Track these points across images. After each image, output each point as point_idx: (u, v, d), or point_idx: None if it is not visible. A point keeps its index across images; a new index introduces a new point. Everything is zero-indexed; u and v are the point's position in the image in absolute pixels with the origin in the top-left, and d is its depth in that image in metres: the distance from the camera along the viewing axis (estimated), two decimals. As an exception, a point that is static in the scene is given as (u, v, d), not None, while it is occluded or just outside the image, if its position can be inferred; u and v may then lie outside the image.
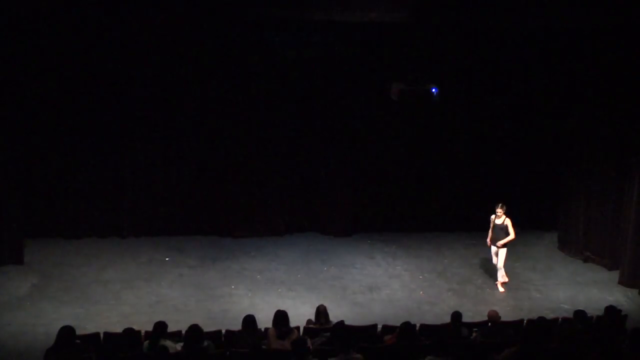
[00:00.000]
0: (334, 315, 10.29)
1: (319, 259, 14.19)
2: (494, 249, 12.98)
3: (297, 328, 9.52)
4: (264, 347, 8.76)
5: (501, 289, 12.87)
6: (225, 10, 11.48)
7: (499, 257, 12.87)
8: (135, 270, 13.28)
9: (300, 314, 11.13)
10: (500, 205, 12.86)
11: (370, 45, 14.02)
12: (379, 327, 10.00)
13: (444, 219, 15.70)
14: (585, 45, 13.66)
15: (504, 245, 12.78)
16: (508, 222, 12.78)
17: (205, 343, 8.65)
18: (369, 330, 9.80)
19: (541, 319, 9.70)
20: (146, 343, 8.75)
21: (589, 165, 14.23)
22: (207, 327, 9.34)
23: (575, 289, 13.23)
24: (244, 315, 9.29)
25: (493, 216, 12.91)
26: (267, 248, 14.59)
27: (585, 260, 14.39)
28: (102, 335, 9.38)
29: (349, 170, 15.21)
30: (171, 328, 9.07)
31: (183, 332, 9.03)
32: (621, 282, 13.38)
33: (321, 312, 9.86)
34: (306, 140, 15.09)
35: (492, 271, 13.28)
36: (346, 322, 9.46)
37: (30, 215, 13.92)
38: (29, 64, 13.08)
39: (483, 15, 11.90)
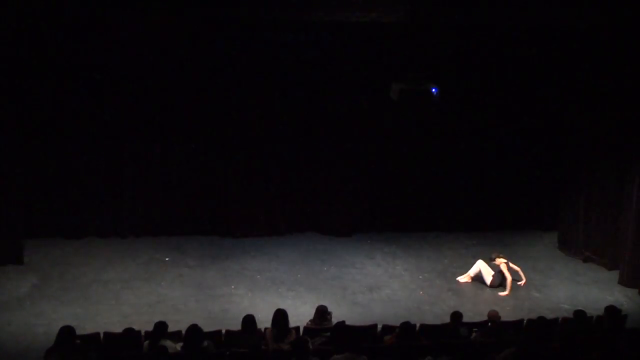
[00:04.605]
0: (334, 316, 10.30)
1: (319, 259, 14.18)
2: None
3: (297, 328, 9.53)
4: (263, 347, 8.77)
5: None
6: (225, 10, 11.48)
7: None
8: (135, 270, 13.27)
9: (300, 314, 11.14)
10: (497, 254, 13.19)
11: (370, 45, 14.00)
12: (379, 327, 10.00)
13: (444, 219, 15.70)
14: (586, 45, 13.66)
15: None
16: (503, 267, 13.02)
17: (205, 343, 8.66)
18: (369, 330, 9.80)
19: (541, 319, 9.71)
20: (146, 343, 8.75)
21: (589, 166, 14.23)
22: (207, 327, 9.33)
23: (575, 289, 13.24)
24: (244, 315, 9.30)
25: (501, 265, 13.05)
26: (267, 248, 14.58)
27: (585, 260, 14.40)
28: (102, 335, 9.38)
29: (349, 170, 15.21)
30: (171, 328, 9.08)
31: (183, 332, 9.03)
32: (621, 282, 13.38)
33: (321, 312, 9.86)
34: (306, 140, 15.09)
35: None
36: (346, 322, 9.47)
37: (30, 215, 13.92)
38: (29, 64, 13.06)
39: (483, 15, 11.91)
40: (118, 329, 9.56)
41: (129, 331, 8.86)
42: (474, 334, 9.75)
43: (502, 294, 12.85)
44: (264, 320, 9.73)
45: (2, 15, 11.53)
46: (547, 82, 14.84)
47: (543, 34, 13.62)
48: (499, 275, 13.06)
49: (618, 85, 13.35)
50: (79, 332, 8.95)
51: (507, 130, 15.38)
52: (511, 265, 13.12)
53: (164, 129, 14.46)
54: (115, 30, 12.80)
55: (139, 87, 13.99)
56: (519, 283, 13.11)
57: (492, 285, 13.04)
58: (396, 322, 9.64)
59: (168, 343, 8.59)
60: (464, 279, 13.24)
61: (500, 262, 13.02)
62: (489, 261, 13.13)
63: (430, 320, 10.93)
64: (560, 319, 10.41)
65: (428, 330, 9.66)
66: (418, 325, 9.77)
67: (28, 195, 13.78)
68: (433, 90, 11.72)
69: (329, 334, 9.17)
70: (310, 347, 8.53)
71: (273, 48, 13.82)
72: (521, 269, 13.22)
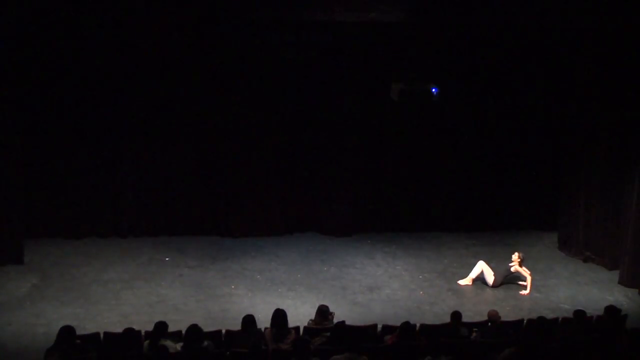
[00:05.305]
0: (334, 316, 10.29)
1: (319, 259, 14.18)
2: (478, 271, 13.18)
3: (297, 328, 9.54)
4: (263, 347, 8.77)
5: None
6: (225, 10, 11.50)
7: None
8: (135, 270, 13.27)
9: (300, 314, 11.15)
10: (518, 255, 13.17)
11: (370, 45, 14.01)
12: (379, 327, 10.00)
13: (444, 219, 15.71)
14: (586, 45, 13.67)
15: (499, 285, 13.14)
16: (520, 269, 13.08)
17: (205, 343, 8.66)
18: (369, 330, 9.80)
19: (541, 319, 9.71)
20: (146, 343, 8.75)
21: (589, 166, 14.23)
22: (207, 327, 9.34)
23: (575, 289, 13.23)
24: (244, 315, 9.30)
25: (513, 267, 13.08)
26: (267, 248, 14.58)
27: (585, 260, 14.39)
28: (102, 335, 9.38)
29: (349, 170, 15.21)
30: (171, 328, 9.07)
31: (183, 332, 9.03)
32: (621, 282, 13.38)
33: (323, 312, 9.86)
34: (306, 140, 15.09)
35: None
36: (346, 322, 9.47)
37: (30, 215, 13.92)
38: (29, 64, 13.07)
39: (483, 15, 11.92)
40: (118, 329, 9.55)
41: (129, 331, 8.86)
42: (474, 334, 9.75)
43: (523, 292, 12.88)
44: (264, 320, 9.72)
45: (3, 15, 11.55)
46: (547, 81, 14.85)
47: (543, 34, 13.64)
48: (504, 274, 13.07)
49: (618, 85, 13.35)
50: (79, 332, 8.95)
51: (507, 130, 15.38)
52: (523, 269, 13.11)
53: (164, 129, 14.45)
54: (115, 30, 12.83)
55: (139, 87, 13.98)
56: (521, 283, 13.10)
57: (494, 286, 13.04)
58: (396, 322, 9.64)
59: (168, 343, 8.59)
60: (465, 282, 13.21)
61: (516, 261, 13.04)
62: (521, 260, 13.09)
63: (430, 320, 10.93)
64: (560, 319, 10.40)
65: (428, 330, 9.65)
66: (418, 325, 9.76)
67: (28, 195, 13.77)
68: (433, 90, 11.74)
69: (329, 334, 9.16)
70: (311, 347, 8.53)
71: (273, 48, 13.83)
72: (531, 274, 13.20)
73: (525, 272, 13.01)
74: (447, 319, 9.98)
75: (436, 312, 11.92)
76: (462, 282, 13.21)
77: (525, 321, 10.31)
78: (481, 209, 15.71)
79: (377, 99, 14.33)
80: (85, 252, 13.96)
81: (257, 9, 11.47)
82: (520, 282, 13.13)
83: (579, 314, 9.96)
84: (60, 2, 11.34)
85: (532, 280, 13.03)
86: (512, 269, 13.05)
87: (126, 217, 14.71)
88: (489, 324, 9.92)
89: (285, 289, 12.76)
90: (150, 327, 9.06)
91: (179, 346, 8.69)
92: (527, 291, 12.88)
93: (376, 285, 13.07)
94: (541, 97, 15.05)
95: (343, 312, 11.50)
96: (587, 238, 14.41)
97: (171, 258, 13.90)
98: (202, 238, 14.84)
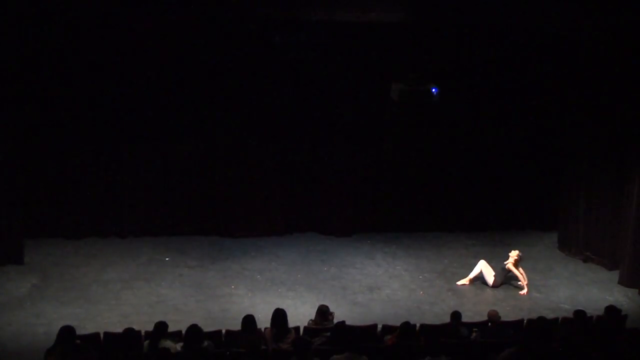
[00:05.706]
0: (334, 316, 10.29)
1: (319, 259, 14.18)
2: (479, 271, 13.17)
3: (297, 328, 9.54)
4: (263, 347, 8.77)
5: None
6: (226, 10, 11.49)
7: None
8: (135, 270, 13.28)
9: (300, 314, 11.15)
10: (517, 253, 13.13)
11: (370, 45, 14.01)
12: (379, 327, 10.01)
13: (444, 219, 15.71)
14: (586, 45, 13.67)
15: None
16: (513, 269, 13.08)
17: (205, 343, 8.66)
18: (369, 330, 9.80)
19: (541, 319, 9.71)
20: (146, 343, 8.76)
21: (589, 166, 14.23)
22: (207, 327, 9.34)
23: (575, 289, 13.24)
24: (244, 315, 9.30)
25: (507, 265, 13.08)
26: (267, 248, 14.59)
27: (585, 260, 14.40)
28: (102, 335, 9.38)
29: (349, 170, 15.21)
30: (171, 328, 9.07)
31: (183, 332, 9.04)
32: (621, 282, 13.38)
33: (323, 312, 9.87)
34: (306, 140, 15.09)
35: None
36: (346, 322, 9.47)
37: (30, 215, 13.92)
38: (29, 64, 13.06)
39: (483, 15, 11.92)
40: (118, 329, 9.55)
41: (129, 331, 8.86)
42: (474, 334, 9.75)
43: (522, 292, 12.87)
44: (264, 320, 9.72)
45: (2, 15, 11.54)
46: (547, 81, 14.84)
47: (543, 34, 13.64)
48: (502, 273, 13.06)
49: (618, 85, 13.35)
50: (79, 332, 8.94)
51: (507, 130, 15.39)
52: (520, 270, 13.08)
53: (164, 129, 14.44)
54: (114, 30, 12.82)
55: (139, 87, 13.97)
56: (519, 284, 13.10)
57: (494, 286, 13.04)
58: (396, 322, 9.64)
59: (168, 343, 8.59)
60: (463, 282, 13.20)
61: (512, 258, 13.03)
62: (517, 260, 13.06)
63: (430, 320, 10.93)
64: (560, 319, 10.41)
65: (428, 330, 9.65)
66: (418, 325, 9.77)
67: (28, 195, 13.77)
68: (433, 90, 11.74)
69: (329, 334, 9.17)
70: (311, 347, 8.52)
71: (273, 48, 13.82)
72: (525, 273, 13.16)
73: (517, 271, 12.99)
74: (447, 319, 9.99)
75: (436, 312, 11.92)
76: (460, 282, 13.21)
77: (525, 321, 10.31)
78: (481, 209, 15.72)
79: (377, 99, 14.33)
80: (85, 252, 13.97)
81: (258, 8, 11.46)
82: (519, 283, 13.13)
83: (579, 314, 9.96)
84: (60, 1, 11.33)
85: (529, 279, 13.03)
86: (506, 267, 13.03)
87: (126, 217, 14.71)
88: (489, 324, 9.92)
89: (285, 289, 12.76)
90: (150, 327, 9.06)
91: (179, 346, 8.69)
92: (525, 290, 12.88)
93: (376, 285, 13.06)
94: (541, 97, 15.05)
95: (343, 312, 11.51)
96: (587, 238, 14.41)
97: (171, 258, 13.90)
98: (202, 238, 14.85)
